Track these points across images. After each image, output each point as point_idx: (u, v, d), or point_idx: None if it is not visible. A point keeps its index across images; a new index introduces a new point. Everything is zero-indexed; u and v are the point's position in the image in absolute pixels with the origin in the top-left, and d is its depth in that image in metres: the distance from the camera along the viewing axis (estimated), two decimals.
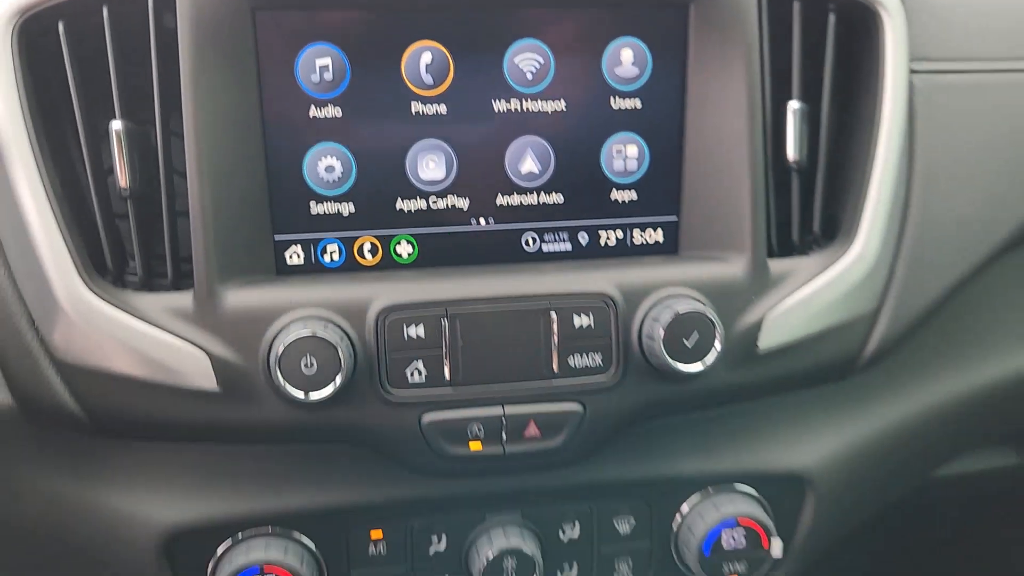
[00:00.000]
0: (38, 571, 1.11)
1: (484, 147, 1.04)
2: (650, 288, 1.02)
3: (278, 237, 1.04)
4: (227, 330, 0.96)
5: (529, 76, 1.04)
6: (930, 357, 1.22)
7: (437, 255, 1.06)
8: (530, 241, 1.09)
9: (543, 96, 1.04)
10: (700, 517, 1.12)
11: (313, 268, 1.05)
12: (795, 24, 1.08)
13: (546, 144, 1.05)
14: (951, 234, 1.13)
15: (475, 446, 1.02)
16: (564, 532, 1.13)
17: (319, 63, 1.00)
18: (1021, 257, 1.22)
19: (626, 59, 1.05)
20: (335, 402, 0.96)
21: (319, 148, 1.02)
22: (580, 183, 1.06)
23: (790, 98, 1.08)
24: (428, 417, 1.00)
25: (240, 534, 1.05)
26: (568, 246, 1.09)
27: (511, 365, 1.00)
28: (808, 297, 1.06)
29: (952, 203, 1.13)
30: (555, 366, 1.00)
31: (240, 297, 0.97)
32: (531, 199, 1.07)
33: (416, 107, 1.02)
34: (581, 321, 1.00)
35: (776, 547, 1.12)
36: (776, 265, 1.07)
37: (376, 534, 1.09)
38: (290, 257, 1.05)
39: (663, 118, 1.06)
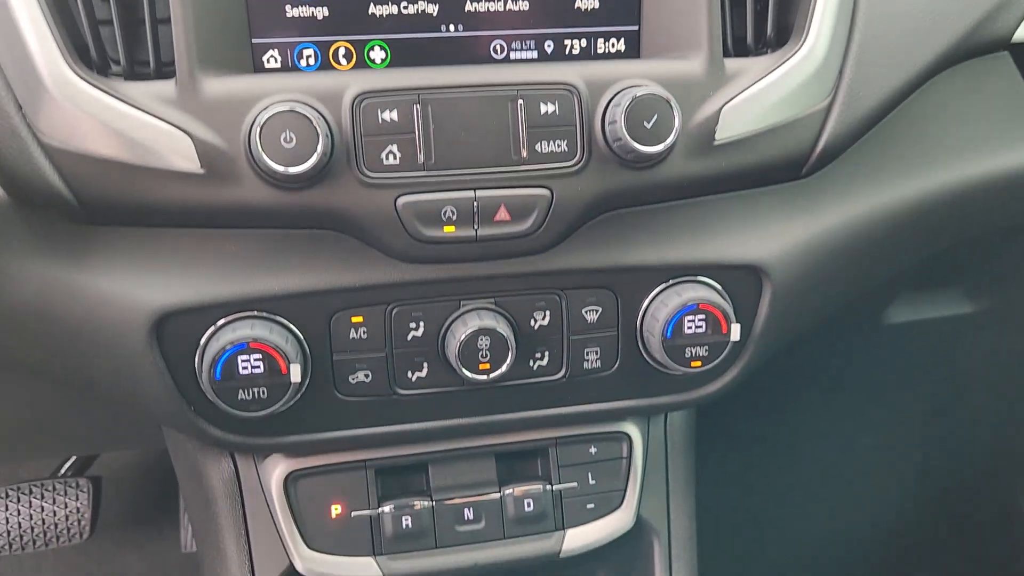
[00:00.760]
0: (32, 355, 1.15)
1: None
2: (612, 80, 1.06)
3: (255, 40, 1.06)
4: (209, 114, 0.99)
5: None
6: (879, 163, 1.25)
7: (409, 60, 1.09)
8: (498, 48, 1.12)
9: None
10: (663, 304, 1.15)
11: (290, 71, 1.08)
12: None
13: None
14: (897, 38, 1.17)
15: (449, 229, 1.05)
16: (535, 320, 1.16)
17: None
18: (963, 74, 1.26)
19: None
20: (314, 182, 0.99)
21: None
22: None
23: None
24: (403, 200, 1.03)
25: (226, 317, 1.05)
26: (535, 54, 1.13)
27: (482, 151, 1.04)
28: (762, 91, 1.10)
29: (898, 8, 1.17)
30: (524, 152, 1.04)
31: (222, 85, 1.00)
32: (498, 5, 1.10)
33: None
34: (547, 108, 1.04)
35: (735, 331, 1.16)
36: (731, 64, 1.11)
37: (357, 319, 1.09)
38: (267, 61, 1.07)
39: None
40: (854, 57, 1.15)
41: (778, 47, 1.14)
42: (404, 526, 1.22)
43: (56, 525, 2.29)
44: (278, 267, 1.05)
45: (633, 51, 1.14)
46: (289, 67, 1.07)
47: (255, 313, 1.05)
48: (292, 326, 1.06)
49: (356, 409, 1.12)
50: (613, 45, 1.14)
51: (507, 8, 1.10)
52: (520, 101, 1.03)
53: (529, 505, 1.26)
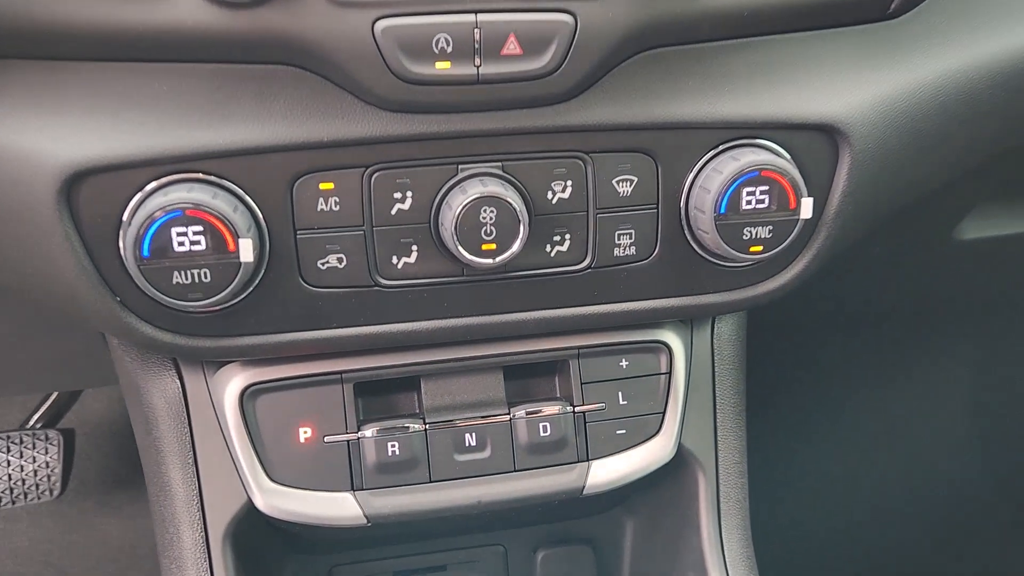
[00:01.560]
0: None
1: None
2: None
3: None
4: None
5: None
6: (981, 6, 1.06)
7: None
8: None
9: None
10: (716, 172, 0.95)
11: None
12: None
13: None
14: None
15: (442, 65, 0.85)
16: (553, 192, 0.96)
17: None
18: None
19: None
20: None
21: None
22: None
23: None
24: (384, 24, 0.83)
25: (157, 179, 0.87)
26: None
27: None
28: None
29: None
30: None
31: None
32: None
33: None
34: None
35: (806, 206, 0.96)
36: None
37: (326, 185, 0.91)
38: None
39: None
40: None
41: None
42: (390, 454, 1.07)
43: (24, 481, 2.13)
44: (224, 114, 0.88)
45: None
46: None
47: (194, 174, 0.89)
48: (242, 192, 0.90)
49: (327, 304, 0.97)
50: None
51: None
52: None
53: (545, 430, 1.10)
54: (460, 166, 0.94)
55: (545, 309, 1.03)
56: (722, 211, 0.95)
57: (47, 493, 2.14)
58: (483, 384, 1.11)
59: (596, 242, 0.99)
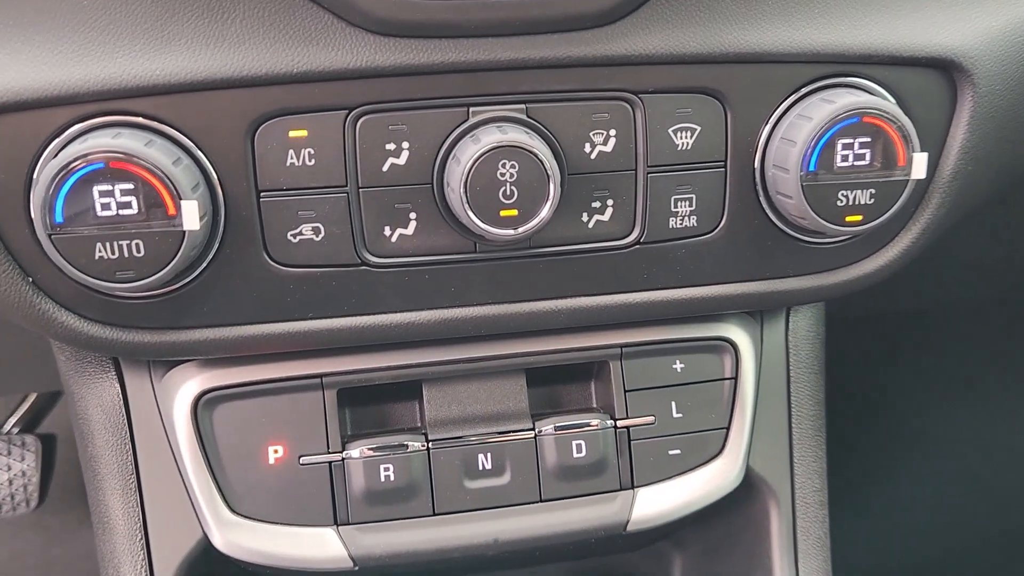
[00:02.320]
0: None
1: None
2: None
3: None
4: None
5: None
6: None
7: None
8: None
9: None
10: (803, 118, 0.81)
11: None
12: None
13: None
14: None
15: None
16: (591, 143, 0.81)
17: None
18: None
19: None
20: None
21: None
22: None
23: None
24: None
25: (77, 123, 0.75)
26: None
27: None
28: None
29: None
30: None
31: None
32: None
33: None
34: None
35: (919, 163, 0.81)
36: None
37: (298, 132, 0.77)
38: None
39: None
40: None
41: None
42: (383, 480, 0.93)
43: None
44: (163, 36, 0.76)
45: None
46: None
47: (123, 116, 0.76)
48: (186, 140, 0.78)
49: (301, 288, 0.84)
50: None
51: None
52: None
53: (580, 450, 0.96)
54: (472, 109, 0.80)
55: (580, 296, 0.89)
56: (811, 168, 0.81)
57: (23, 504, 2.07)
58: (501, 391, 0.97)
59: (646, 210, 0.86)
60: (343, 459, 0.93)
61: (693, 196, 0.86)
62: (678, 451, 0.99)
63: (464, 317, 0.87)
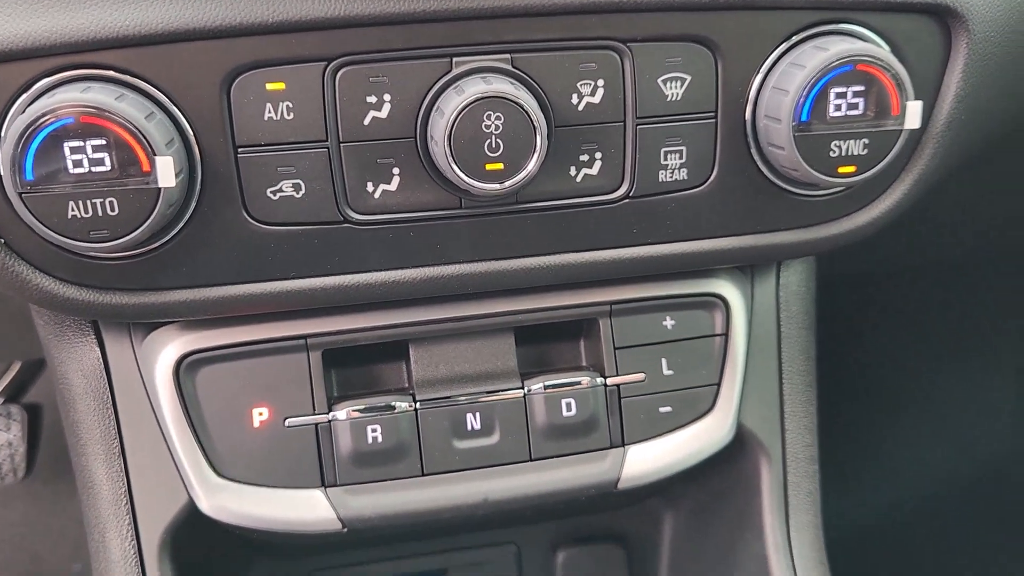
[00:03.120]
0: None
1: None
2: None
3: None
4: None
5: None
6: None
7: None
8: None
9: None
10: (795, 66, 0.78)
11: None
12: None
13: None
14: None
15: None
16: (579, 93, 0.79)
17: None
18: None
19: None
20: None
21: None
22: None
23: None
24: None
25: (45, 77, 0.72)
26: None
27: None
28: None
29: None
30: None
31: None
32: None
33: None
34: None
35: (913, 111, 0.79)
36: None
37: (275, 85, 0.74)
38: None
39: None
40: None
41: None
42: (370, 441, 0.91)
43: None
44: None
45: None
46: None
47: (92, 69, 0.73)
48: (159, 93, 0.75)
49: (282, 246, 0.82)
50: None
51: None
52: None
53: (569, 408, 0.94)
54: (455, 59, 0.78)
55: (568, 252, 0.87)
56: (804, 118, 0.78)
57: (11, 475, 2.04)
58: (489, 351, 0.95)
59: (636, 162, 0.83)
60: (330, 421, 0.91)
61: (683, 148, 0.84)
62: (669, 408, 0.97)
63: (450, 275, 0.85)
